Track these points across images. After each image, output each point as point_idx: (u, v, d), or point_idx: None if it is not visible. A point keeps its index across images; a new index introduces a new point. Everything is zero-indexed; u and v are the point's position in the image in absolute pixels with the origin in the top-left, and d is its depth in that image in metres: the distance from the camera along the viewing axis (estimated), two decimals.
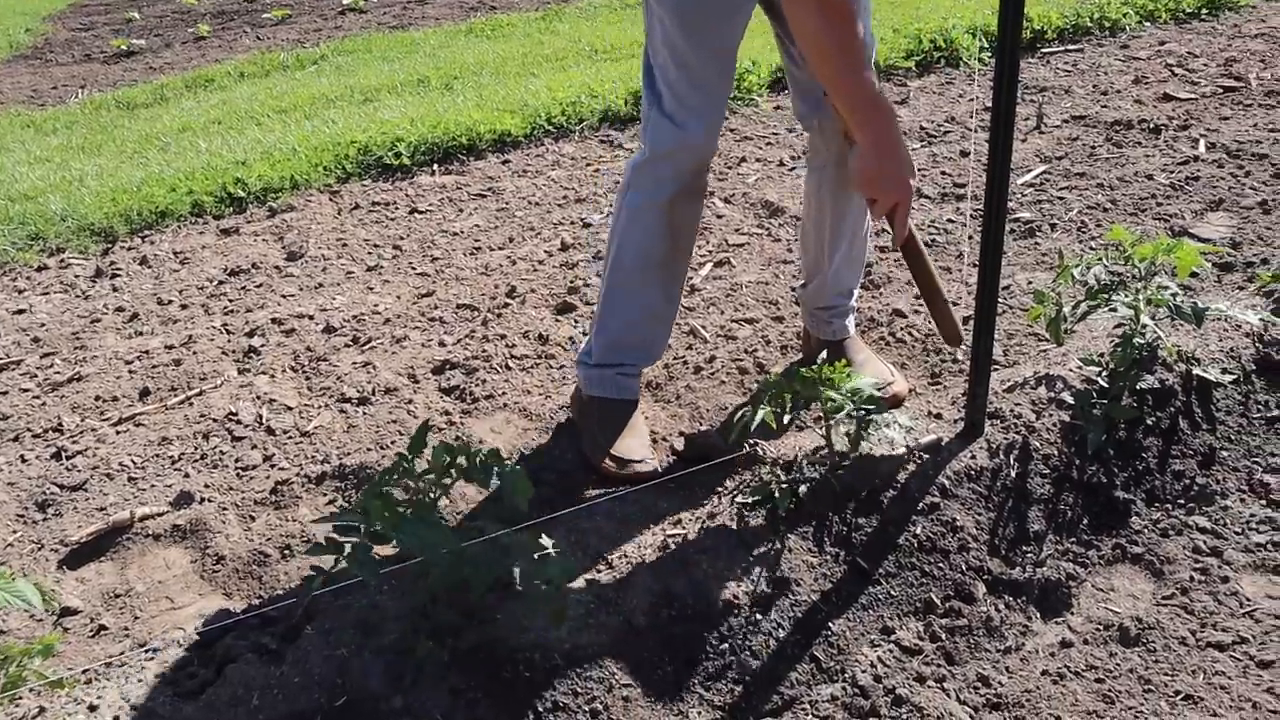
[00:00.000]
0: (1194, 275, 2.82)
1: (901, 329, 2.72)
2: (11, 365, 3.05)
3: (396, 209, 3.89)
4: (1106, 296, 2.10)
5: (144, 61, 8.41)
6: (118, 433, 2.62)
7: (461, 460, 1.54)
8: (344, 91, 5.86)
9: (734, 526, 1.93)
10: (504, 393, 2.56)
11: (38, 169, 5.01)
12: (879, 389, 2.03)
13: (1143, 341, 2.11)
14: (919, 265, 2.11)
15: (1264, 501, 2.14)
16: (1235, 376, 2.33)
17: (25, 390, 2.90)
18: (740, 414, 2.00)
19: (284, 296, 3.27)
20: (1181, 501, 2.15)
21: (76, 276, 3.69)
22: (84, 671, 1.85)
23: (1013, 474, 2.09)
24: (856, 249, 2.44)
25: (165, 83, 7.00)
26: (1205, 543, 2.03)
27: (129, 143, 5.48)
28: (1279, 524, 2.07)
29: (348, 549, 1.41)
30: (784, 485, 1.95)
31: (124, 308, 3.35)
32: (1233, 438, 2.27)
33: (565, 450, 2.33)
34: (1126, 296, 2.09)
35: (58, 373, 2.97)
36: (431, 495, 1.55)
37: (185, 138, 5.36)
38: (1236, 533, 2.06)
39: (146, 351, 3.01)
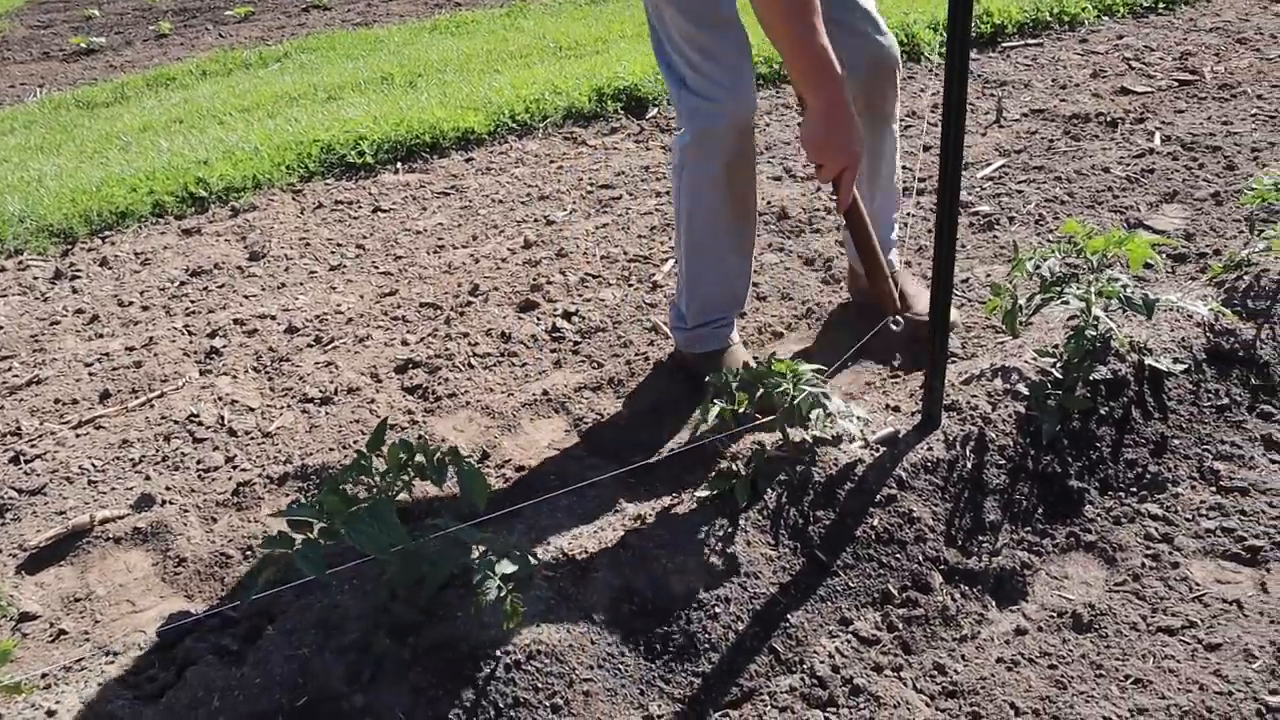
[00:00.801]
0: (1148, 267, 2.86)
1: (860, 321, 2.74)
2: None
3: (360, 208, 3.88)
4: (1059, 289, 2.13)
5: (104, 60, 8.33)
6: (77, 436, 2.60)
7: (420, 458, 1.55)
8: (307, 90, 5.83)
9: (693, 520, 1.94)
10: (466, 391, 2.57)
11: None
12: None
13: (1095, 333, 2.14)
14: (861, 233, 2.16)
15: (1214, 488, 2.18)
16: (1186, 366, 2.37)
17: None
18: (697, 412, 2.02)
19: (246, 297, 3.26)
20: (1134, 489, 2.18)
21: (35, 278, 3.66)
22: (43, 676, 1.84)
23: (969, 465, 2.12)
24: (894, 186, 2.59)
25: (126, 81, 6.93)
26: (1157, 530, 2.07)
27: (89, 142, 5.43)
28: (1228, 511, 2.11)
29: (299, 544, 1.42)
30: (742, 479, 1.97)
31: (84, 309, 3.33)
32: (1184, 426, 2.31)
33: (527, 448, 2.34)
34: (1079, 289, 2.12)
35: (16, 376, 2.94)
36: (389, 493, 1.56)
37: (146, 137, 5.32)
38: (1187, 519, 2.10)
39: (107, 354, 2.99)
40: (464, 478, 1.58)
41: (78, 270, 3.66)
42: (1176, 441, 2.28)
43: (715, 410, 1.97)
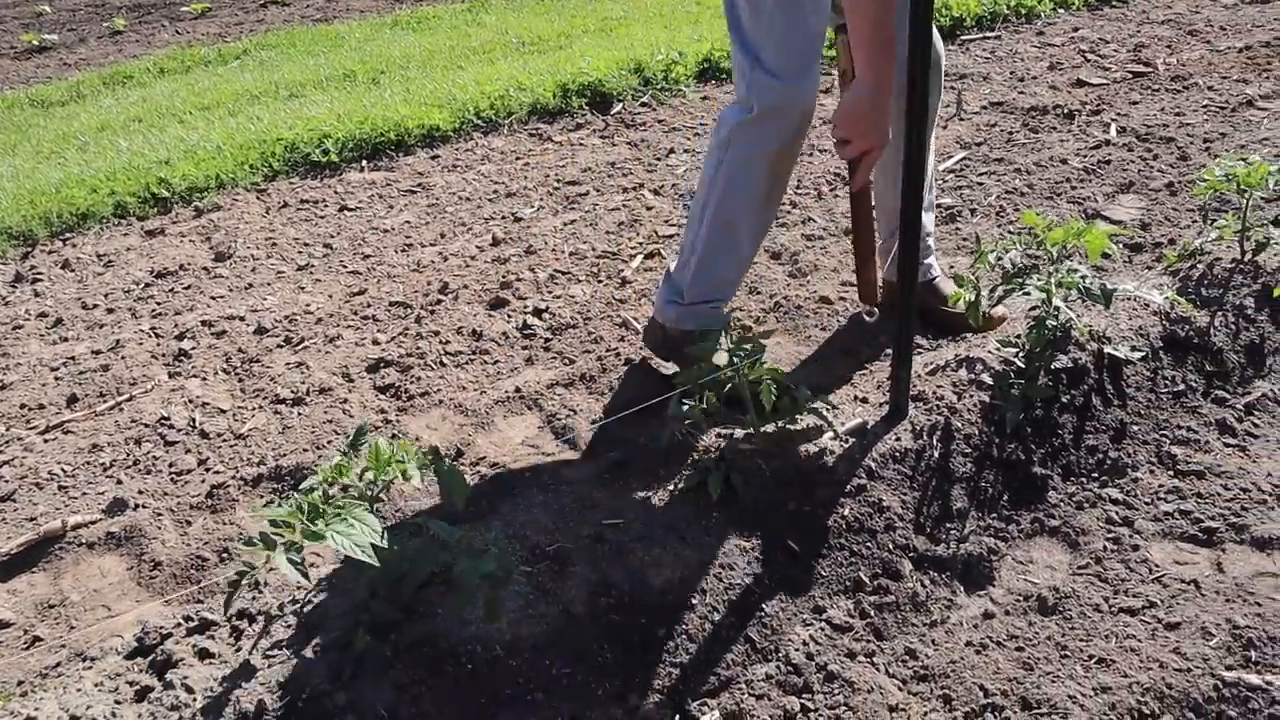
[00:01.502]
0: (1105, 256, 2.93)
1: (828, 314, 2.78)
2: None
3: (326, 207, 3.87)
4: (1021, 280, 2.18)
5: (58, 57, 8.20)
6: (46, 441, 2.58)
7: (399, 458, 1.57)
8: (268, 87, 5.78)
9: (668, 514, 1.98)
10: (439, 389, 2.58)
11: None
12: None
13: (1056, 323, 2.20)
14: (863, 218, 2.20)
15: (1171, 472, 2.25)
16: (1144, 354, 2.43)
17: None
18: (672, 405, 2.05)
19: (213, 298, 3.24)
20: (1095, 475, 2.24)
21: None
22: (19, 684, 1.84)
23: (936, 454, 2.17)
24: (930, 195, 2.61)
25: (82, 79, 6.84)
26: (1117, 513, 2.13)
27: (45, 142, 5.36)
28: (1185, 494, 2.17)
29: (281, 547, 1.43)
30: (714, 472, 2.00)
31: (47, 313, 3.30)
32: (1142, 412, 2.37)
33: (501, 445, 2.36)
34: (1040, 280, 2.17)
35: None
36: (369, 494, 1.57)
37: (104, 136, 5.26)
38: (1146, 503, 2.16)
39: (73, 358, 2.97)
40: (444, 478, 1.59)
41: (39, 273, 3.62)
42: (1135, 427, 2.34)
43: (686, 405, 2.00)
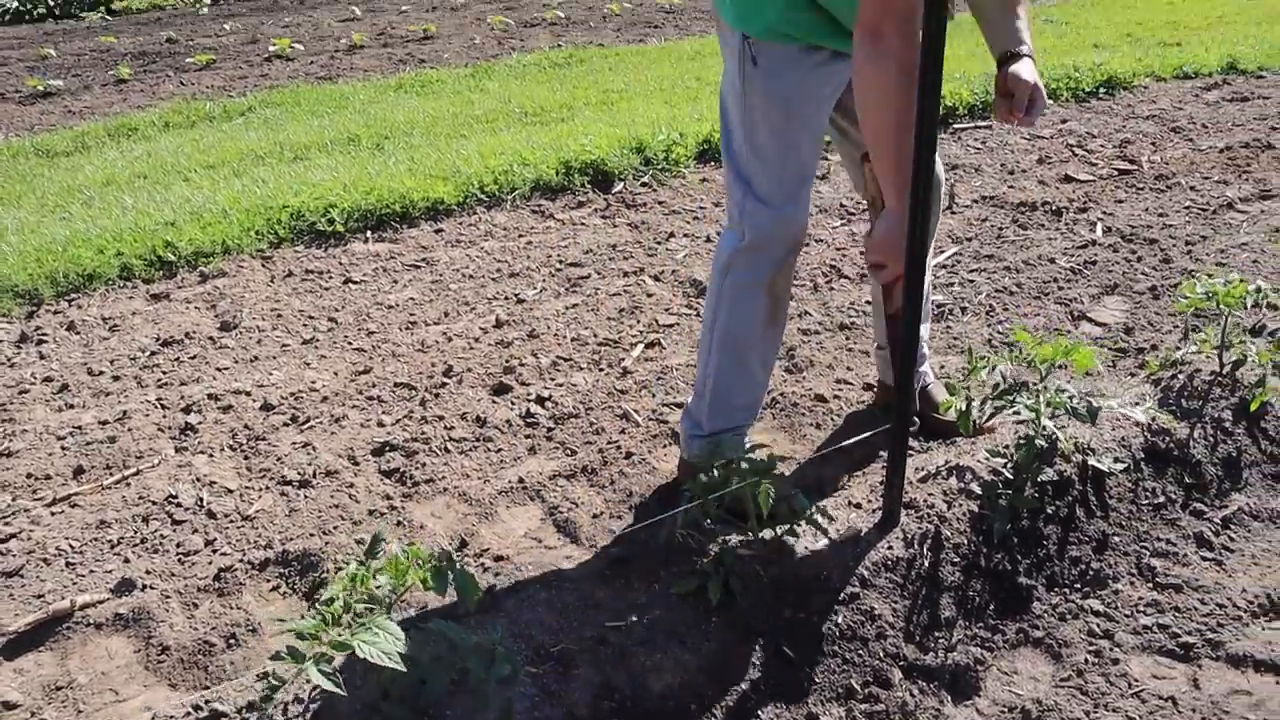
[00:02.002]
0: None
1: (823, 412, 2.87)
2: None
3: (331, 278, 3.95)
4: (1011, 398, 2.27)
5: (62, 104, 8.29)
6: (53, 514, 2.63)
7: (417, 566, 1.63)
8: (273, 148, 5.88)
9: (669, 618, 2.04)
10: (443, 476, 2.64)
11: None
12: None
13: (1044, 443, 2.28)
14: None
15: (1151, 584, 2.33)
16: (1126, 465, 2.52)
17: None
18: (673, 511, 2.12)
19: (219, 370, 3.30)
20: (1078, 585, 2.32)
21: (0, 341, 3.67)
22: None
23: (926, 563, 2.24)
24: (927, 304, 2.71)
25: (86, 130, 6.92)
26: (1099, 625, 2.20)
27: (50, 195, 5.42)
28: (1164, 607, 2.25)
29: (311, 660, 1.49)
30: (714, 577, 2.07)
31: (53, 377, 3.35)
32: (1123, 524, 2.46)
33: (505, 536, 2.42)
34: (1029, 399, 2.26)
35: None
36: (387, 600, 1.64)
37: (109, 192, 5.33)
38: (1126, 615, 2.24)
39: (79, 426, 3.02)
40: (458, 582, 1.66)
41: (44, 334, 3.67)
42: (1116, 539, 2.42)
43: (689, 509, 2.08)
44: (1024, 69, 2.15)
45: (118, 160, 6.10)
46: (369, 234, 4.35)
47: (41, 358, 3.52)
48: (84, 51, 10.95)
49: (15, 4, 14.67)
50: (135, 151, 6.32)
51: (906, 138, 1.92)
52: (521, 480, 2.60)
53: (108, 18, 13.92)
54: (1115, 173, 4.85)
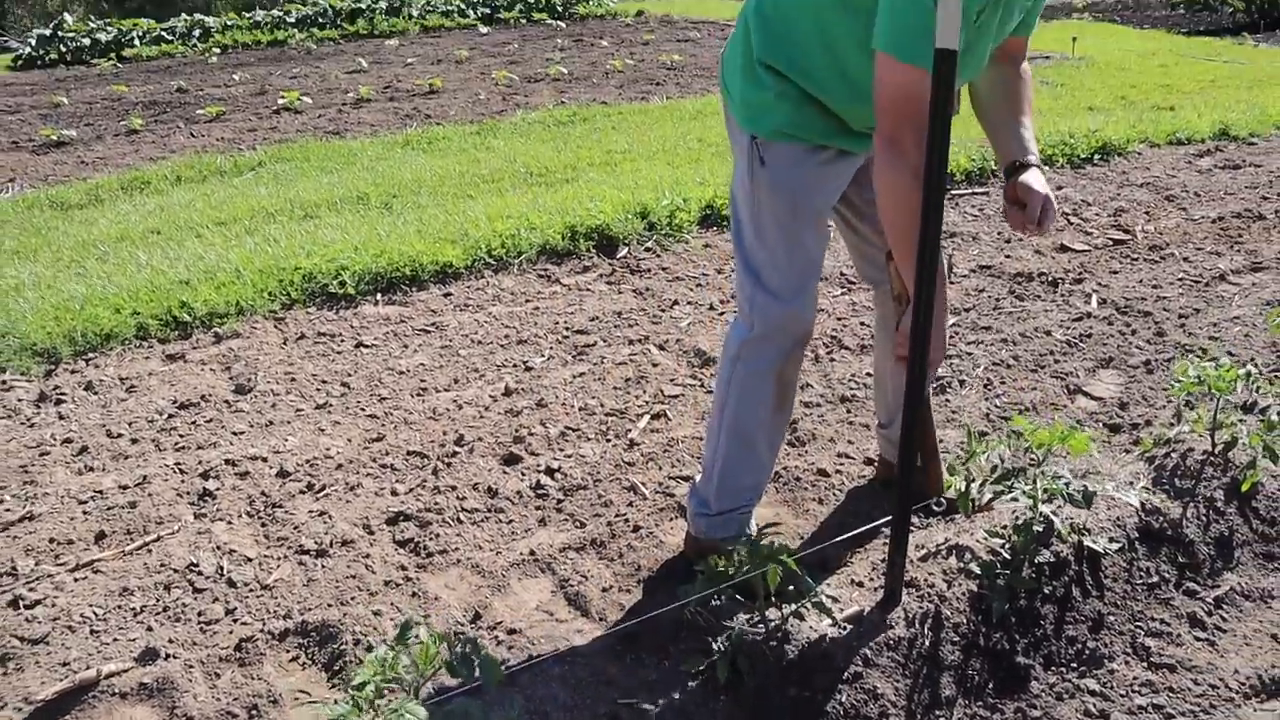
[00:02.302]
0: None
1: (825, 487, 2.95)
2: None
3: (342, 341, 4.04)
4: (1010, 484, 2.36)
5: (75, 154, 8.44)
6: (76, 580, 2.69)
7: (443, 652, 1.70)
8: (284, 205, 6.00)
9: (678, 696, 2.11)
10: (456, 547, 2.71)
11: None
12: None
13: (1040, 528, 2.36)
14: (927, 418, 2.31)
15: (1145, 664, 2.40)
16: (1120, 545, 2.60)
17: None
18: (684, 588, 2.20)
19: (235, 434, 3.38)
20: (1074, 665, 2.39)
21: (19, 400, 3.74)
22: None
23: (927, 642, 2.31)
24: (929, 388, 2.70)
25: (100, 183, 7.05)
26: (1094, 705, 2.27)
27: (65, 249, 5.53)
28: (1158, 688, 2.32)
29: None
30: (722, 656, 2.14)
31: (72, 439, 3.42)
32: (1118, 603, 2.53)
33: (517, 609, 2.49)
34: (1026, 485, 2.35)
35: (8, 510, 3.03)
36: (415, 684, 1.71)
37: (123, 248, 5.43)
38: (1122, 695, 2.31)
39: (100, 490, 3.09)
40: (482, 667, 1.73)
41: (63, 394, 3.75)
42: (1112, 618, 2.50)
43: (701, 586, 2.15)
44: (1034, 180, 2.25)
45: (131, 214, 6.22)
46: (379, 296, 4.45)
47: (61, 418, 3.59)
48: (96, 99, 11.14)
49: (28, 50, 14.90)
50: (148, 205, 6.44)
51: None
52: (533, 552, 2.67)
53: (119, 65, 14.15)
54: (1110, 242, 4.97)
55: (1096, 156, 6.53)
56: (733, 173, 2.38)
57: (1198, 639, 2.46)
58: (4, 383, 3.89)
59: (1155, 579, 2.60)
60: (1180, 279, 4.51)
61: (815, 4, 2.13)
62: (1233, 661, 2.39)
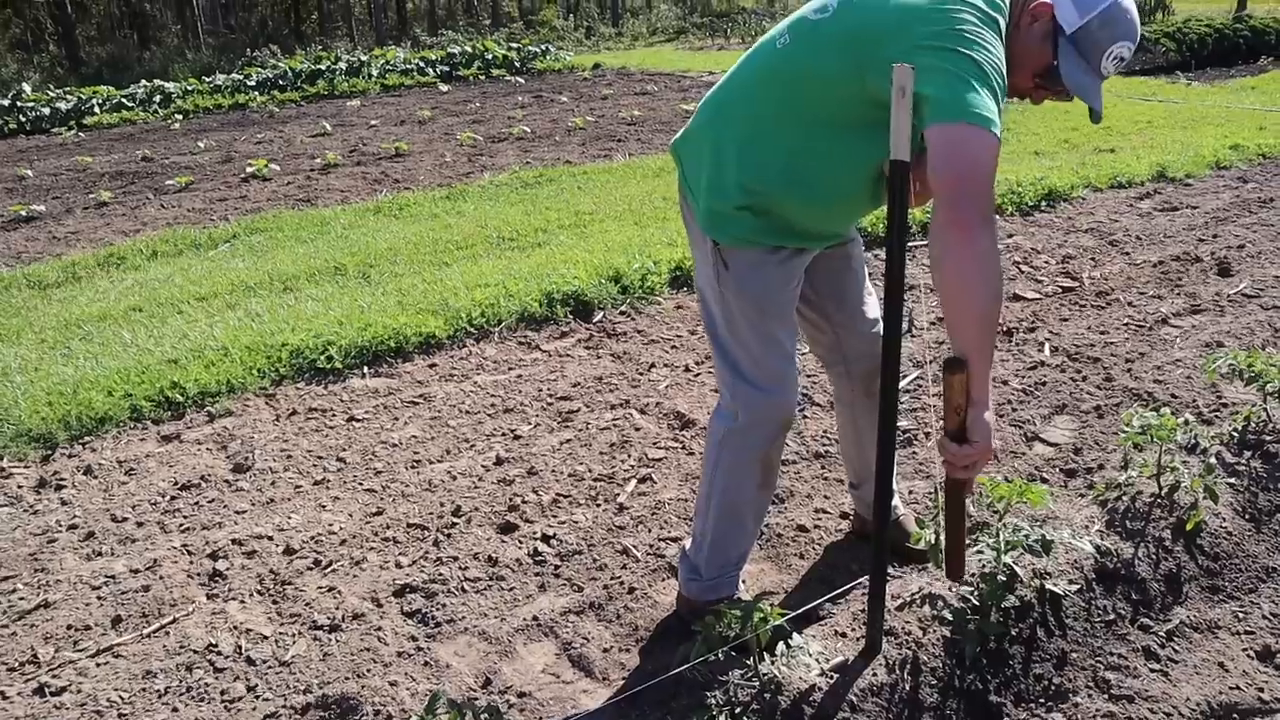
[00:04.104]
0: (1044, 480, 3.36)
1: (805, 542, 3.15)
2: None
3: (334, 416, 4.19)
4: (975, 537, 2.57)
5: (46, 229, 8.51)
6: (98, 665, 2.82)
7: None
8: (262, 278, 6.15)
9: None
10: (463, 616, 2.88)
11: None
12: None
13: (1005, 577, 2.58)
14: (958, 502, 2.29)
15: (1106, 696, 2.60)
16: (1079, 586, 2.81)
17: None
18: (683, 647, 2.38)
19: (238, 513, 3.52)
20: (1042, 700, 2.59)
21: (20, 487, 3.86)
22: None
23: (907, 686, 2.50)
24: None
25: (75, 259, 7.14)
26: None
27: (48, 330, 5.63)
28: (1118, 717, 2.52)
29: None
30: (720, 709, 2.32)
31: (77, 525, 3.54)
32: (1079, 640, 2.74)
33: (525, 673, 2.65)
34: (991, 539, 2.56)
35: (23, 599, 3.14)
36: None
37: (107, 327, 5.54)
38: None
39: (112, 575, 3.22)
40: None
41: (62, 479, 3.87)
42: (1074, 655, 2.70)
43: (700, 648, 2.33)
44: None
45: (110, 291, 6.33)
46: (366, 369, 4.61)
47: (64, 504, 3.71)
48: (61, 170, 11.22)
49: None
50: (126, 282, 6.56)
51: (992, 335, 2.00)
52: (535, 618, 2.84)
53: (80, 134, 14.23)
54: (1059, 290, 5.25)
55: (1043, 203, 6.86)
56: (696, 268, 2.54)
57: (1153, 670, 2.67)
58: (2, 470, 4.00)
59: (1112, 616, 2.82)
60: (1125, 324, 4.78)
61: (806, 124, 2.24)
62: (1185, 690, 2.60)
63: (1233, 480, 3.24)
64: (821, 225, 2.43)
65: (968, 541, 2.38)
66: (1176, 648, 2.75)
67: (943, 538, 2.56)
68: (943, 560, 2.69)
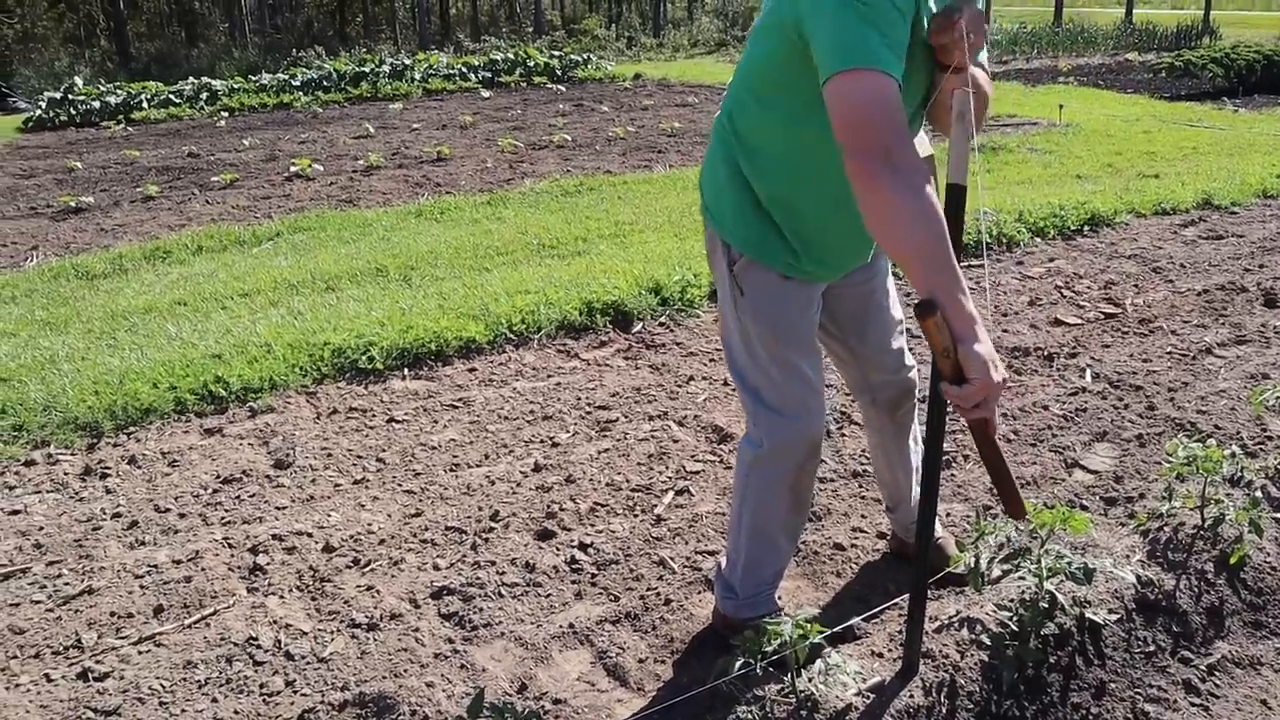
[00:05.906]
0: (1084, 508, 3.34)
1: (842, 560, 3.14)
2: (19, 573, 3.26)
3: (374, 416, 4.23)
4: (1016, 563, 2.56)
5: (94, 221, 8.64)
6: (140, 653, 2.86)
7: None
8: (305, 277, 6.22)
9: None
10: (500, 620, 2.89)
11: (5, 344, 5.22)
12: None
13: (1045, 604, 2.56)
14: (988, 444, 2.13)
15: None
16: (1119, 616, 2.79)
17: (37, 602, 3.12)
18: (721, 661, 2.38)
19: (279, 509, 3.56)
20: None
21: (66, 474, 3.92)
22: None
23: (944, 710, 2.49)
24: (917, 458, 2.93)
25: (122, 252, 7.26)
26: None
27: (95, 320, 5.72)
28: None
29: None
30: None
31: (121, 513, 3.60)
32: (1119, 671, 2.72)
33: (560, 679, 2.67)
34: (1032, 564, 2.55)
35: (68, 584, 3.19)
36: None
37: (152, 319, 5.63)
38: None
39: (154, 565, 3.26)
40: None
41: (107, 468, 3.93)
42: (1113, 685, 2.68)
43: (738, 663, 2.34)
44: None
45: (155, 284, 6.42)
46: (406, 371, 4.65)
47: (108, 492, 3.77)
48: (109, 164, 11.41)
49: (39, 112, 15.21)
50: (171, 275, 6.65)
51: (946, 240, 1.84)
52: (571, 625, 2.86)
53: (128, 128, 14.45)
54: (1101, 315, 5.21)
55: (1086, 228, 6.81)
56: (718, 298, 2.54)
57: (1193, 704, 2.65)
58: (50, 456, 4.07)
59: (1152, 647, 2.79)
60: (1169, 352, 4.74)
61: (785, 118, 2.21)
62: None
63: (1278, 515, 3.20)
64: (833, 222, 2.36)
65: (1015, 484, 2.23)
66: (1218, 682, 2.73)
67: (995, 489, 2.39)
68: (979, 584, 2.69)
